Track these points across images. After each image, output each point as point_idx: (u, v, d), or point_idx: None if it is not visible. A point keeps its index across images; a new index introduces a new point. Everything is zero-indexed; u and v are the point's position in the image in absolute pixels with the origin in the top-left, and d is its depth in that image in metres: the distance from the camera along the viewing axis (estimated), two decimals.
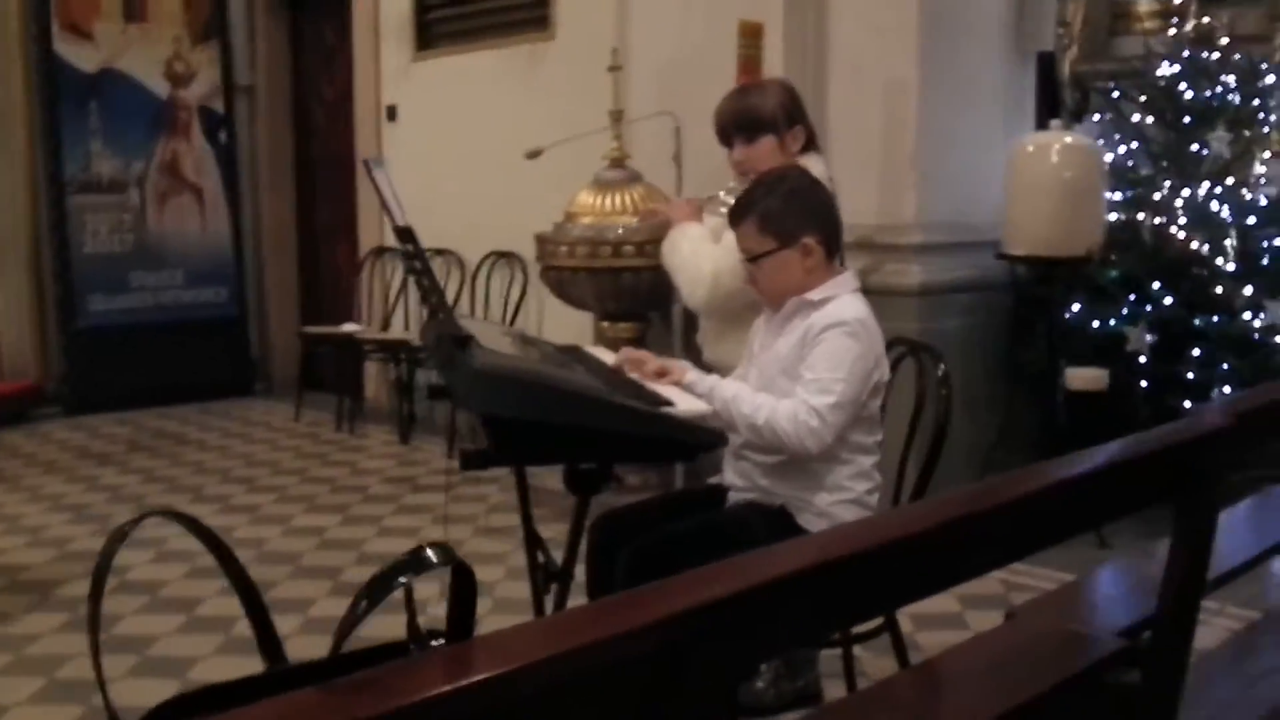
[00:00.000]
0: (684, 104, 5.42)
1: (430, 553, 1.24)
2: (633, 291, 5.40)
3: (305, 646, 4.22)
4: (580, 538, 2.69)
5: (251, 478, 6.38)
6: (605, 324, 5.62)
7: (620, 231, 5.34)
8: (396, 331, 7.76)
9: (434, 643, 1.39)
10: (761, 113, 3.48)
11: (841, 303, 2.87)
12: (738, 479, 2.96)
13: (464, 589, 1.36)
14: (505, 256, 7.07)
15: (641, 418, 2.19)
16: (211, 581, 4.74)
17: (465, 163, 7.34)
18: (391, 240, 7.87)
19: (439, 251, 7.49)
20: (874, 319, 2.89)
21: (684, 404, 2.40)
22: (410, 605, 1.40)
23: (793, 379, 2.83)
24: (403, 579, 1.22)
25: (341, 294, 8.60)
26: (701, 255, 3.45)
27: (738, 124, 3.50)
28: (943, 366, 3.00)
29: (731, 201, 3.56)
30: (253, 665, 1.96)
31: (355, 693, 1.00)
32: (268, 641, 1.81)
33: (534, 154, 5.19)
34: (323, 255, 8.99)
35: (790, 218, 2.90)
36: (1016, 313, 5.53)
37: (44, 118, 8.02)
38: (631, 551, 2.74)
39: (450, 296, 7.44)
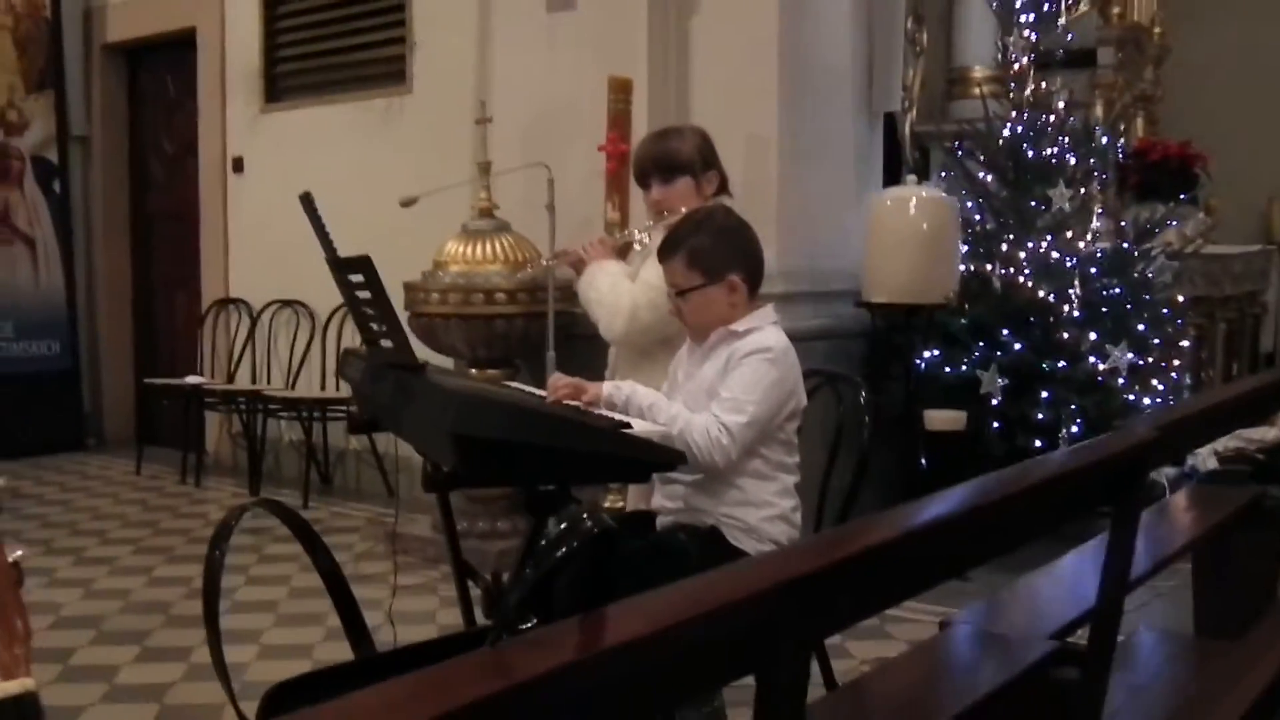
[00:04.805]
0: (551, 156, 5.51)
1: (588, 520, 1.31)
2: (504, 338, 5.47)
3: (192, 693, 4.16)
4: (534, 562, 2.75)
5: (102, 530, 6.22)
6: (474, 370, 5.66)
7: (493, 279, 5.42)
8: (242, 382, 7.66)
9: (522, 626, 1.46)
10: (679, 156, 3.63)
11: (764, 333, 3.02)
12: (667, 501, 3.05)
13: (601, 554, 1.43)
14: None
15: (611, 438, 2.27)
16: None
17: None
18: (238, 292, 7.83)
19: (287, 303, 7.45)
20: (793, 350, 3.04)
21: (638, 425, 2.50)
22: (498, 588, 1.46)
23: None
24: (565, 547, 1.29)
25: (179, 347, 8.46)
26: (620, 290, 3.56)
27: (656, 165, 3.63)
28: (864, 394, 3.16)
29: (646, 239, 3.70)
30: None
31: (518, 654, 1.07)
32: (356, 631, 1.84)
33: (409, 202, 5.22)
34: (159, 308, 8.82)
35: (717, 256, 3.04)
36: (872, 359, 5.75)
37: None
38: (568, 581, 2.80)
39: (300, 348, 7.40)
